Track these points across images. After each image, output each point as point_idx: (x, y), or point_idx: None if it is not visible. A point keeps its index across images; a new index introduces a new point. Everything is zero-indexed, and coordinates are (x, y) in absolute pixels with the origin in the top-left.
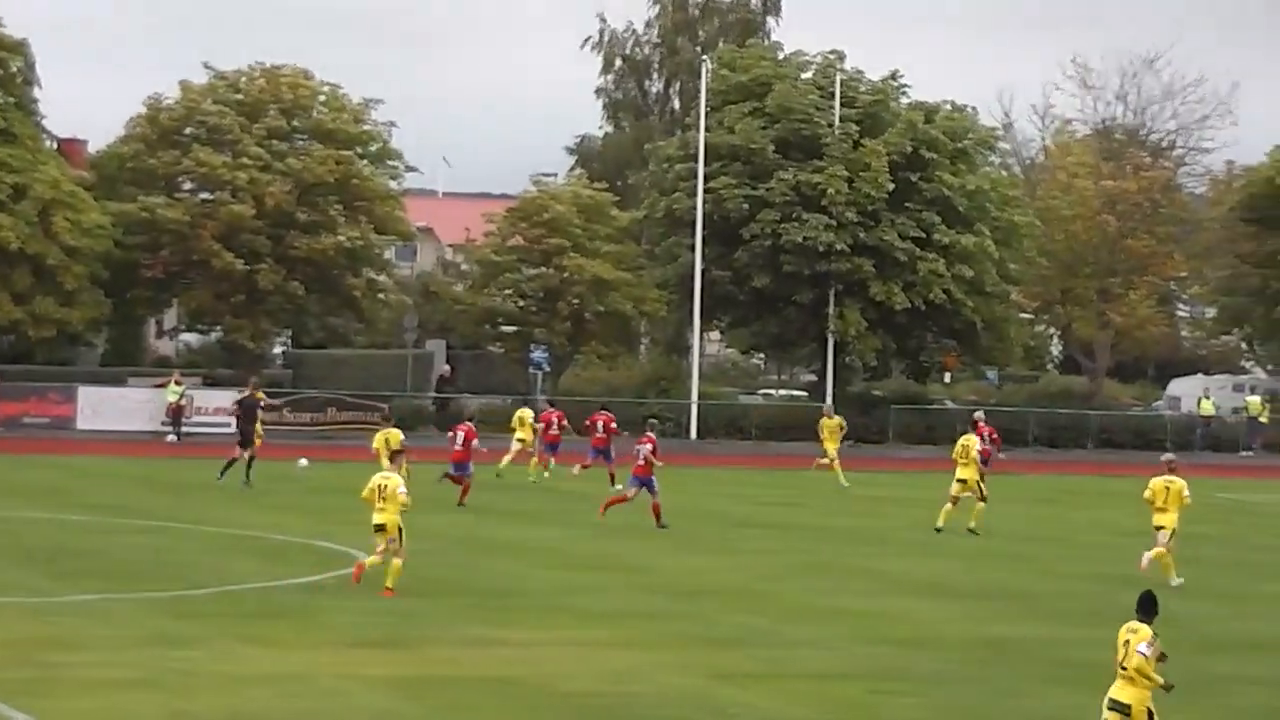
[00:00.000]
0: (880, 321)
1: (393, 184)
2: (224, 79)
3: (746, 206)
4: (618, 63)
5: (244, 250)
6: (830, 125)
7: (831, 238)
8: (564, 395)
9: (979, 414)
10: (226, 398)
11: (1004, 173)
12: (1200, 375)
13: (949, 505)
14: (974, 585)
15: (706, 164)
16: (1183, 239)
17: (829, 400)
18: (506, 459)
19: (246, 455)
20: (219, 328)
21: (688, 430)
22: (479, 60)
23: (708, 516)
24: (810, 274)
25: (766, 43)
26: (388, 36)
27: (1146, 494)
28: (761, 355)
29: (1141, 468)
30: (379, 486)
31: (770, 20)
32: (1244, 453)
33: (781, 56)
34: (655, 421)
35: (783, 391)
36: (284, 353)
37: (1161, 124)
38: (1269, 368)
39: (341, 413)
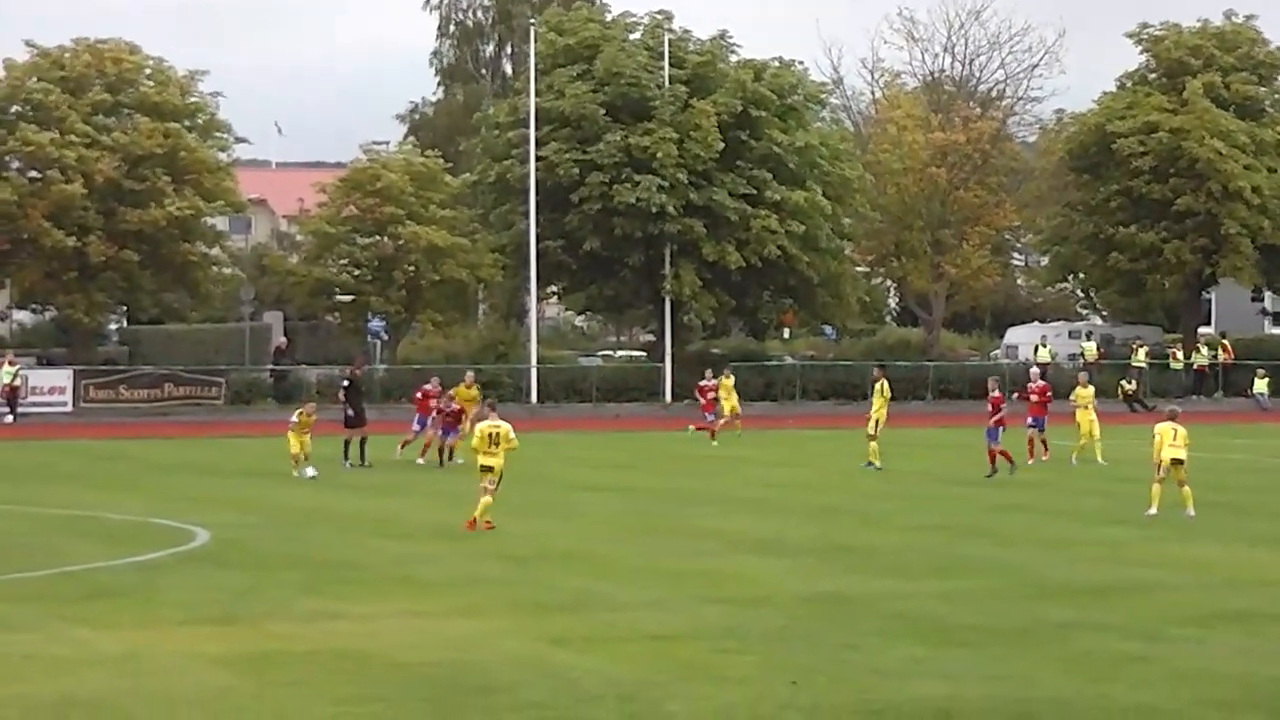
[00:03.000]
0: (716, 280)
1: (222, 155)
2: (47, 56)
3: (577, 171)
4: (452, 28)
5: (74, 227)
6: (659, 87)
7: (663, 199)
8: (402, 364)
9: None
10: (61, 377)
11: (834, 128)
12: (1036, 323)
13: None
14: (812, 541)
15: (537, 129)
16: (1014, 189)
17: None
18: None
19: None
20: (52, 306)
21: (527, 394)
22: (312, 28)
23: (547, 480)
24: (643, 236)
25: (595, 4)
26: (220, 4)
27: (1156, 441)
28: (599, 317)
29: (980, 417)
30: (491, 433)
31: None
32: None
33: (609, 18)
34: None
35: (622, 352)
36: (119, 330)
37: (989, 74)
38: (1104, 314)
39: (178, 388)
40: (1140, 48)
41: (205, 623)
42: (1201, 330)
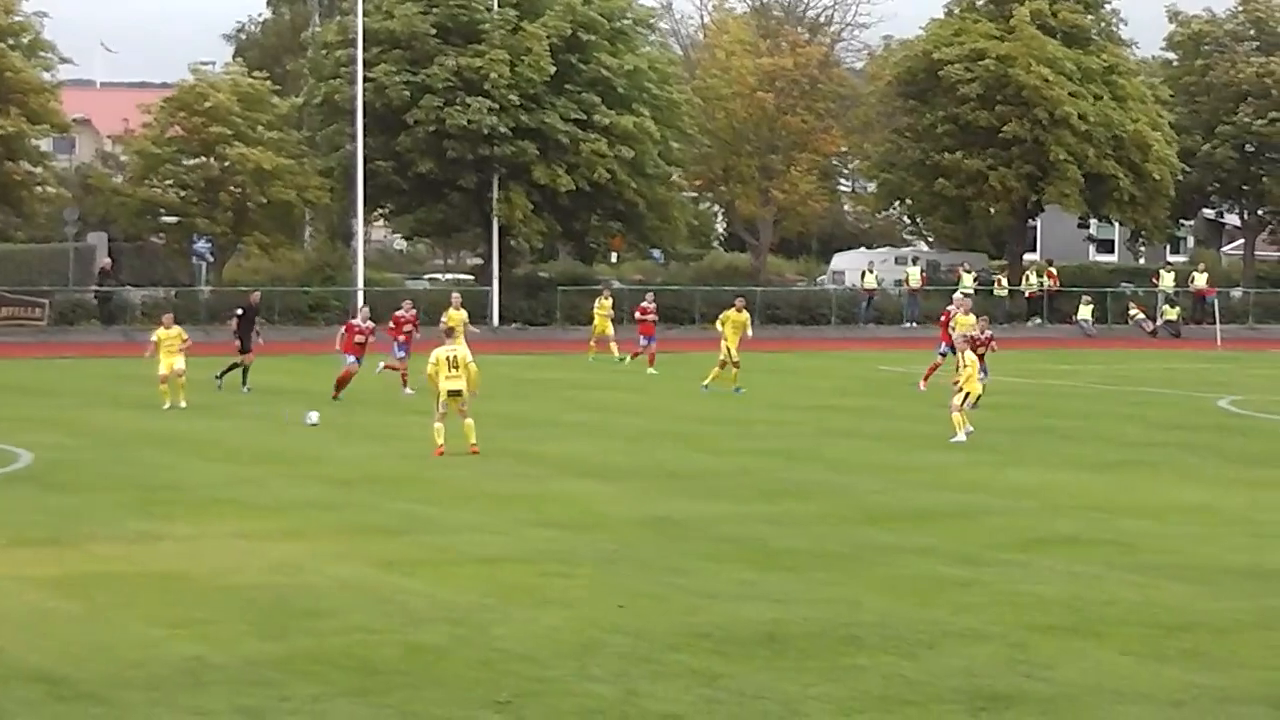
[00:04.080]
0: (545, 204)
1: (47, 75)
2: None
3: (408, 93)
4: None
5: None
6: (489, 9)
7: (494, 121)
8: (228, 285)
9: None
10: None
11: (663, 52)
12: (863, 249)
13: (718, 369)
14: (639, 466)
15: (366, 50)
16: (841, 115)
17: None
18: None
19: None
20: None
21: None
22: None
23: (372, 404)
24: (474, 159)
25: None
26: None
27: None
28: (427, 240)
29: (808, 342)
30: (449, 358)
31: None
32: (907, 324)
33: None
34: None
35: (449, 276)
36: None
37: (818, 0)
38: (930, 240)
39: (1, 309)
40: None
41: (31, 545)
42: (1027, 257)
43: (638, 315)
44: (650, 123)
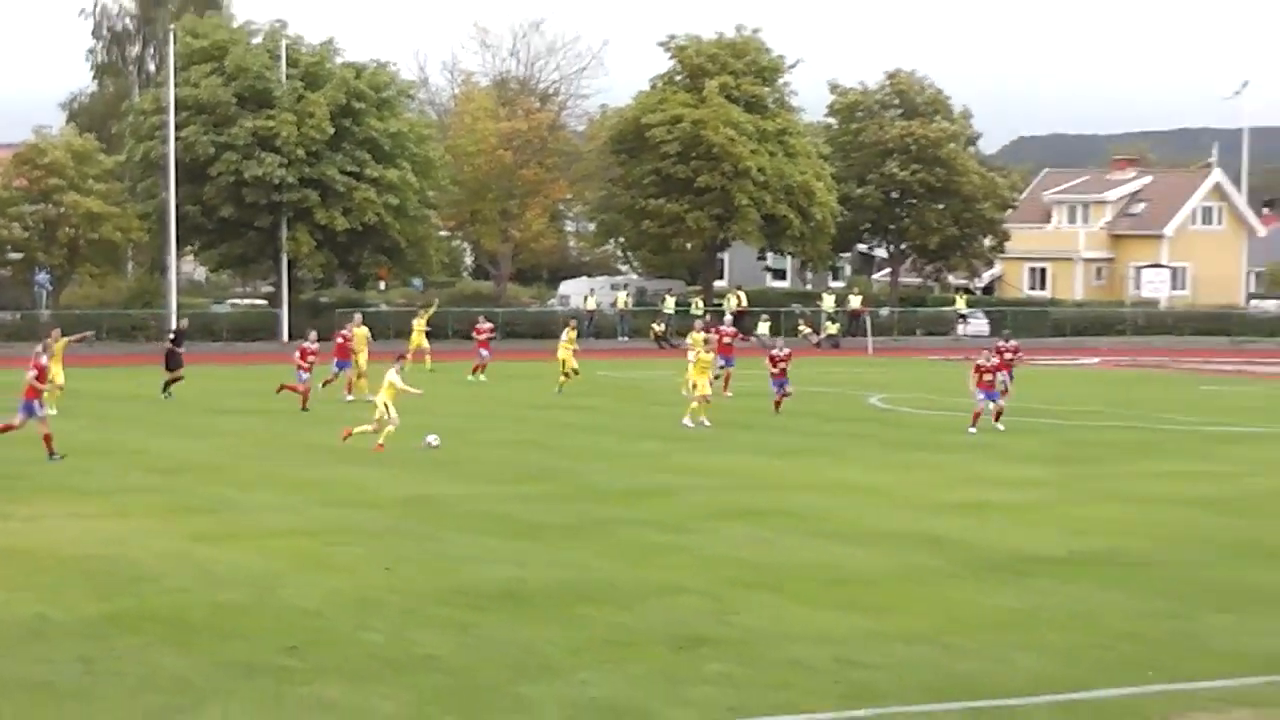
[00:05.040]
0: (326, 241)
1: None
2: None
3: (212, 150)
4: (104, 31)
5: None
6: (279, 81)
7: (284, 173)
8: (64, 309)
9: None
10: None
11: (420, 117)
12: (584, 277)
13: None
14: (405, 455)
15: (177, 115)
16: (567, 168)
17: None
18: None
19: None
20: None
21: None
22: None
23: (186, 406)
24: (267, 204)
25: (222, 13)
26: None
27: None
28: (229, 271)
29: (540, 354)
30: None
31: None
32: (621, 338)
33: (236, 25)
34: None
35: (247, 301)
36: None
37: (547, 75)
38: (638, 270)
39: None
40: (669, 54)
41: None
42: (717, 284)
43: (475, 334)
44: (411, 175)
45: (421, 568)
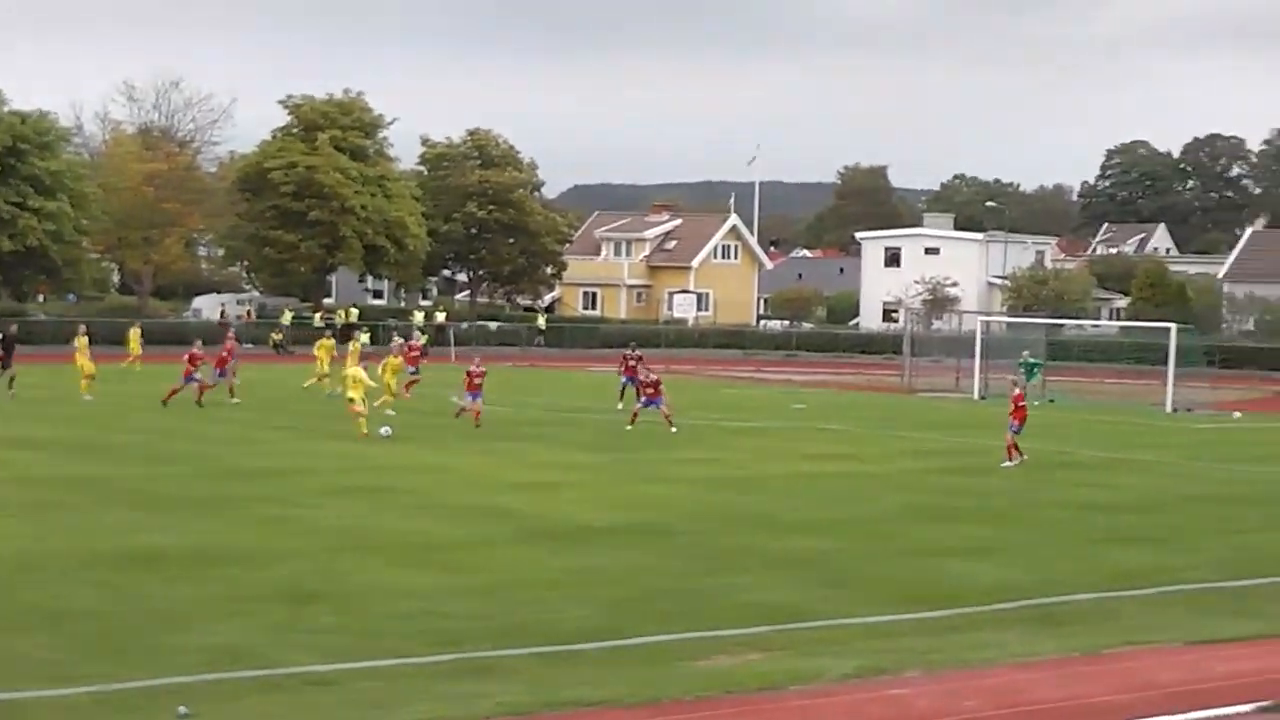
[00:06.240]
0: None
1: None
2: None
3: None
4: None
5: None
6: None
7: None
8: None
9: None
10: None
11: (77, 157)
12: (215, 294)
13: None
14: (72, 439)
15: None
16: (201, 203)
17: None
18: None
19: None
20: None
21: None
22: None
23: None
24: None
25: None
26: None
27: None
28: None
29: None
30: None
31: None
32: (245, 345)
33: None
34: None
35: None
36: None
37: (185, 125)
38: (260, 288)
39: None
40: (287, 111)
41: None
42: (325, 300)
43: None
44: (68, 206)
45: (74, 536)
